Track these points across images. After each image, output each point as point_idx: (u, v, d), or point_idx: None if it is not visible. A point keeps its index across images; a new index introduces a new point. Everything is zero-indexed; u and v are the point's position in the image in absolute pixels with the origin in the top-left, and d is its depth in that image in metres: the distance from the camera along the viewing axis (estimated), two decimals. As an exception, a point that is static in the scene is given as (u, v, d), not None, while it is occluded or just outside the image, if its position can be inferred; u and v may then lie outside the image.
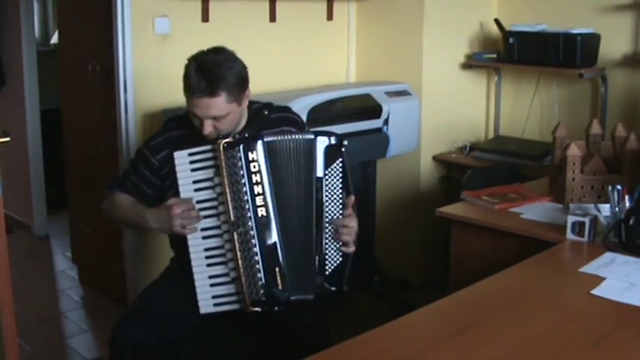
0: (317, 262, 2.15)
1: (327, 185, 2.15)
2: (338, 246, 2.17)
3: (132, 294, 3.47)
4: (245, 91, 2.23)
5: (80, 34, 3.86)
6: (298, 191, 2.15)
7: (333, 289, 2.16)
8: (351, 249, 2.18)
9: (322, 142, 2.16)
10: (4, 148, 3.25)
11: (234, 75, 2.16)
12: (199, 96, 2.13)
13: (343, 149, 2.17)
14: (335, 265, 2.17)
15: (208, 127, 2.18)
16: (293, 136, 2.16)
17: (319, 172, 2.15)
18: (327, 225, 2.15)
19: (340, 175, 2.16)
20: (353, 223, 2.17)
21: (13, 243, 2.80)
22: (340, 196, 2.16)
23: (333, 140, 2.17)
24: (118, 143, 3.44)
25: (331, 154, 2.16)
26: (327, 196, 2.15)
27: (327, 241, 2.16)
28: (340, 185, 2.16)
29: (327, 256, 2.15)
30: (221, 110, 2.16)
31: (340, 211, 2.16)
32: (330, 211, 2.15)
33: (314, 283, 2.15)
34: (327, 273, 2.15)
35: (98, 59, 3.66)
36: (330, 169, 2.15)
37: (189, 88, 2.16)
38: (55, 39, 5.78)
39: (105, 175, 3.50)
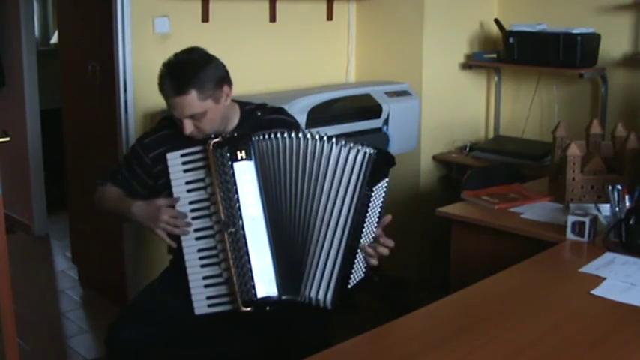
0: (343, 274, 2.09)
1: (371, 202, 2.08)
2: (364, 264, 2.14)
3: (132, 294, 3.47)
4: (222, 88, 2.23)
5: (80, 34, 3.86)
6: (300, 193, 2.11)
7: (347, 301, 2.14)
8: (375, 261, 2.15)
9: (380, 160, 2.09)
10: (4, 148, 3.25)
11: (204, 72, 2.18)
12: (172, 96, 2.17)
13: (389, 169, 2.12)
14: (357, 279, 2.13)
15: (189, 127, 2.20)
16: (285, 136, 2.12)
17: (368, 187, 2.06)
18: (362, 241, 2.10)
19: (384, 195, 2.12)
20: (388, 242, 2.15)
21: (13, 243, 2.80)
22: (379, 216, 2.12)
23: (388, 158, 2.11)
24: (118, 143, 3.44)
25: (382, 172, 2.09)
26: (369, 213, 2.09)
27: (358, 257, 2.11)
28: (381, 205, 2.12)
29: (353, 271, 2.11)
30: (195, 108, 2.17)
31: (375, 231, 2.13)
32: (367, 229, 2.10)
33: (335, 293, 2.09)
34: (349, 286, 2.12)
35: (98, 59, 3.66)
36: (377, 188, 2.09)
37: (162, 91, 2.20)
38: (55, 39, 5.78)
39: (105, 171, 3.50)
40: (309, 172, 2.11)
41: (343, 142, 2.10)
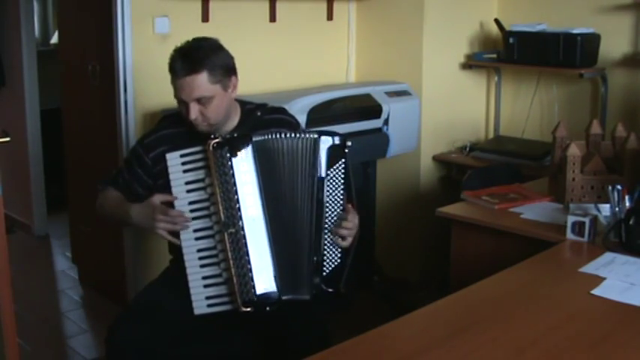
0: (314, 262, 2.14)
1: (328, 186, 2.14)
2: (337, 247, 2.16)
3: (132, 294, 3.47)
4: (231, 77, 2.24)
5: (80, 34, 3.86)
6: (294, 191, 2.15)
7: (330, 290, 2.15)
8: (346, 243, 2.16)
9: (325, 142, 2.14)
10: (4, 148, 3.25)
11: (217, 57, 2.19)
12: (182, 76, 2.16)
13: (347, 150, 2.15)
14: (333, 266, 2.16)
15: (194, 112, 2.19)
16: (286, 135, 2.15)
17: (321, 173, 2.13)
18: (327, 226, 2.14)
19: (342, 176, 2.15)
20: (354, 218, 2.16)
21: (13, 243, 2.80)
22: (342, 197, 2.16)
23: (336, 140, 2.16)
24: (118, 143, 3.44)
25: (334, 154, 2.14)
26: (328, 196, 2.14)
27: (326, 242, 2.15)
28: (342, 187, 2.15)
29: (325, 257, 2.15)
30: (205, 91, 2.17)
31: (341, 212, 2.16)
32: (330, 212, 2.15)
33: (309, 283, 2.14)
34: (324, 274, 2.15)
35: (98, 59, 3.66)
36: (332, 170, 2.14)
37: (172, 73, 2.19)
38: (55, 39, 5.79)
39: (105, 175, 3.49)
40: (290, 169, 2.15)
41: (298, 134, 2.16)
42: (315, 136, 2.15)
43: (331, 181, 2.14)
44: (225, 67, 2.21)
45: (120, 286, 3.65)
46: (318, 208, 2.13)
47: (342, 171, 2.15)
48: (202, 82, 2.16)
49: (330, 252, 2.16)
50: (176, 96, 2.22)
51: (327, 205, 2.14)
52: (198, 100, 2.18)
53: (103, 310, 3.75)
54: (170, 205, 2.15)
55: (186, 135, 2.23)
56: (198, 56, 2.16)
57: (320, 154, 2.14)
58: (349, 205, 2.17)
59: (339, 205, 2.15)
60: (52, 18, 6.11)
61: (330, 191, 2.14)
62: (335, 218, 2.15)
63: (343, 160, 2.15)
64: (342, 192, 2.15)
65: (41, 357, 3.35)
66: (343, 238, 2.16)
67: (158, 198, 2.16)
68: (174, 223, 2.13)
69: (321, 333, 2.21)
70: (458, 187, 3.24)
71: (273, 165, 2.14)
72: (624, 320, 1.85)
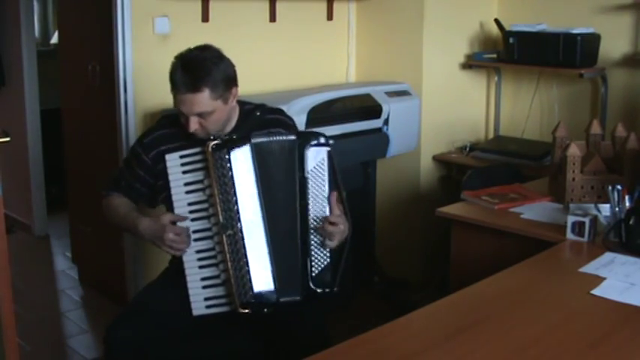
0: (303, 263, 2.13)
1: (312, 185, 2.13)
2: (327, 249, 2.15)
3: (132, 294, 3.47)
4: (231, 90, 2.23)
5: (80, 34, 3.86)
6: (285, 192, 2.14)
7: (322, 290, 2.14)
8: (332, 244, 2.14)
9: (306, 142, 2.14)
10: (4, 148, 3.25)
11: (218, 72, 2.17)
12: (183, 92, 2.15)
13: (329, 148, 2.14)
14: (322, 266, 2.15)
15: (194, 125, 2.19)
16: (279, 137, 2.15)
17: (304, 172, 2.13)
18: (312, 225, 2.13)
19: (325, 175, 2.14)
20: (339, 220, 2.13)
21: (13, 243, 2.80)
22: (325, 196, 2.14)
23: (317, 140, 2.15)
24: (118, 143, 3.44)
25: (315, 154, 2.14)
26: (312, 196, 2.13)
27: (313, 242, 2.14)
28: (326, 185, 2.14)
29: (313, 257, 2.14)
30: (205, 107, 2.16)
31: (324, 211, 2.14)
32: (315, 212, 2.13)
33: (300, 283, 2.13)
34: (313, 274, 2.14)
35: (98, 59, 3.66)
36: (314, 169, 2.13)
37: (174, 85, 2.18)
38: (55, 39, 5.79)
39: (105, 175, 3.48)
40: (282, 170, 2.15)
41: (284, 136, 2.16)
42: (293, 137, 2.15)
43: (314, 180, 2.13)
44: (226, 81, 2.20)
45: (120, 286, 3.65)
46: (302, 209, 2.13)
47: (325, 170, 2.15)
48: (203, 99, 2.15)
49: (318, 252, 2.14)
50: (176, 106, 2.21)
51: (311, 204, 2.12)
52: (199, 115, 2.18)
53: (103, 310, 3.75)
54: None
55: (185, 134, 2.23)
56: (200, 74, 2.14)
57: (302, 154, 2.12)
58: (336, 204, 2.15)
59: (323, 204, 2.14)
60: (52, 18, 6.11)
61: (314, 190, 2.13)
62: (320, 217, 2.13)
63: (325, 158, 2.14)
64: (325, 191, 2.14)
65: (41, 357, 3.35)
66: (330, 237, 2.13)
67: (168, 218, 2.15)
68: (178, 247, 2.14)
69: (321, 333, 2.21)
70: (458, 187, 3.24)
71: (269, 166, 2.14)
72: (624, 320, 1.85)
